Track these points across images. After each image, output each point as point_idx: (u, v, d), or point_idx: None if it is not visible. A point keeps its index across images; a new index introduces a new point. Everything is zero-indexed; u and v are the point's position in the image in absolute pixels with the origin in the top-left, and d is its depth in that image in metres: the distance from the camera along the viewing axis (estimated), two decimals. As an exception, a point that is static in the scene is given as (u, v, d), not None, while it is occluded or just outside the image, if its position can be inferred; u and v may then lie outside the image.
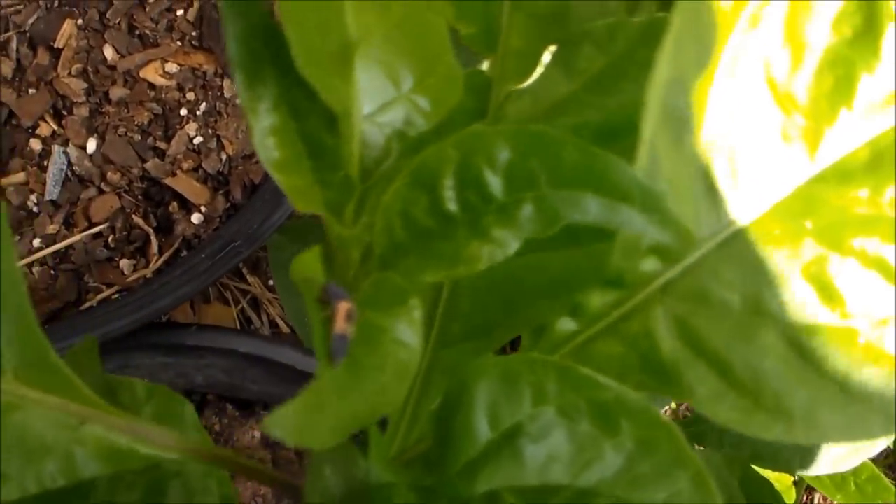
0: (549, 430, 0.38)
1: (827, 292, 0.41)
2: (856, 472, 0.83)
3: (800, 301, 0.41)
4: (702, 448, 0.76)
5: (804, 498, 1.20)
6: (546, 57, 0.48)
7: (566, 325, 0.42)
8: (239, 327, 1.09)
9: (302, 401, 0.32)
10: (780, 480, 0.92)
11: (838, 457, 0.74)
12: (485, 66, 0.49)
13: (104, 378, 0.51)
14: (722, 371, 0.41)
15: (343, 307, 0.37)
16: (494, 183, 0.38)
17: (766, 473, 0.82)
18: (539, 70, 0.48)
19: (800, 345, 0.41)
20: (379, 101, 0.40)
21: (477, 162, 0.38)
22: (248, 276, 1.10)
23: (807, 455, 0.75)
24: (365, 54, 0.39)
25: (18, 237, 0.98)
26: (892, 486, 0.83)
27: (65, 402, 0.40)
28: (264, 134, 0.37)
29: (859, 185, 0.41)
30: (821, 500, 1.20)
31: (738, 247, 0.42)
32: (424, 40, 0.41)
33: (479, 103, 0.48)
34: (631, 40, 0.45)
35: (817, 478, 0.84)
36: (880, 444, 0.74)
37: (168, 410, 0.54)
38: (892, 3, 0.41)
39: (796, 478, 0.95)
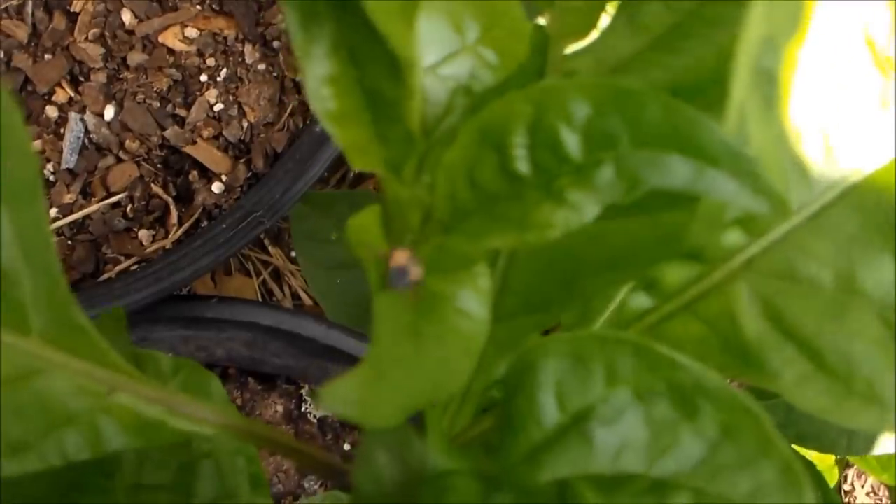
0: (623, 414, 0.34)
1: (925, 269, 0.37)
2: (901, 453, 0.81)
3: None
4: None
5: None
6: (609, 13, 0.44)
7: (639, 301, 0.39)
8: (260, 299, 1.07)
9: (360, 372, 0.28)
10: (823, 460, 0.90)
11: (886, 438, 0.72)
12: (542, 21, 0.45)
13: (133, 351, 0.48)
14: (811, 354, 0.38)
15: (400, 252, 0.34)
16: (571, 141, 0.34)
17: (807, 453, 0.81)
18: (601, 26, 0.44)
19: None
20: (442, 51, 0.36)
21: (552, 118, 0.34)
22: (269, 248, 1.07)
23: (854, 437, 0.73)
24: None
25: (34, 206, 0.95)
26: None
27: (92, 367, 0.37)
28: (320, 82, 0.34)
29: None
30: (854, 478, 1.18)
31: (830, 220, 0.38)
32: (490, -13, 0.37)
33: (537, 61, 0.44)
34: (701, -5, 0.42)
35: (863, 458, 0.82)
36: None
37: (195, 385, 0.51)
38: None
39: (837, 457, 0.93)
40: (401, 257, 0.34)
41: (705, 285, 0.39)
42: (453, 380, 0.31)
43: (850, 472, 1.15)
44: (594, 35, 0.45)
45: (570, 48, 0.45)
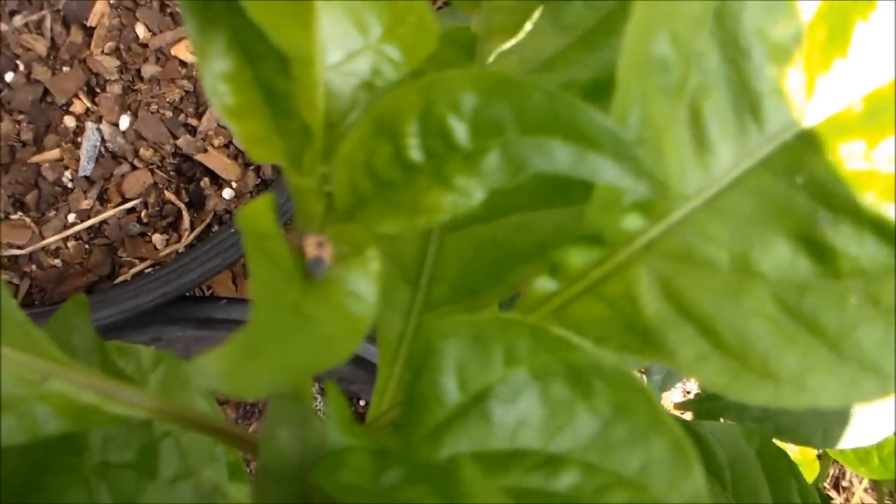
0: (521, 393, 0.34)
1: (819, 250, 0.37)
2: (879, 446, 0.81)
3: (791, 260, 0.37)
4: (721, 421, 0.74)
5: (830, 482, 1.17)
6: (534, 13, 0.45)
7: (545, 284, 0.39)
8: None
9: (233, 346, 0.28)
10: (804, 454, 0.90)
11: (861, 432, 0.71)
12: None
13: (97, 339, 0.49)
14: (707, 333, 0.37)
15: (311, 238, 0.34)
16: (459, 130, 0.34)
17: (791, 448, 0.80)
18: (527, 26, 0.45)
19: (790, 305, 0.37)
20: (345, 50, 0.36)
21: (441, 108, 0.34)
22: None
23: (829, 430, 0.72)
24: (329, 1, 0.36)
25: (54, 212, 0.97)
26: (915, 462, 0.80)
27: (27, 357, 0.38)
28: (217, 79, 0.34)
29: (854, 139, 0.38)
30: (853, 475, 1.17)
31: (727, 203, 0.38)
32: (396, -13, 0.37)
33: (465, 60, 0.45)
34: (620, -6, 0.42)
35: (841, 452, 0.82)
36: (902, 418, 0.71)
37: (175, 377, 0.52)
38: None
39: (819, 452, 0.92)
40: (311, 246, 0.35)
41: (607, 268, 0.39)
42: (337, 356, 0.31)
43: (835, 469, 1.14)
44: (521, 35, 0.45)
45: (497, 48, 0.45)
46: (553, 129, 0.33)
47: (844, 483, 1.15)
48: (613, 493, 0.33)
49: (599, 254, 0.39)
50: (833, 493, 1.17)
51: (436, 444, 0.35)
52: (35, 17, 0.98)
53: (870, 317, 0.37)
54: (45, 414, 0.38)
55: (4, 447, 0.38)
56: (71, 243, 0.96)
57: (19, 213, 0.97)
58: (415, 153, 0.35)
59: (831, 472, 0.97)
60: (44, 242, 0.97)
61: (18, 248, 0.97)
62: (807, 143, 0.38)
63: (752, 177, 0.38)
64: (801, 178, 0.38)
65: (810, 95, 0.38)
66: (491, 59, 0.45)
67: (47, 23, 0.98)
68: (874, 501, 1.08)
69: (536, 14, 0.44)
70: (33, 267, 0.97)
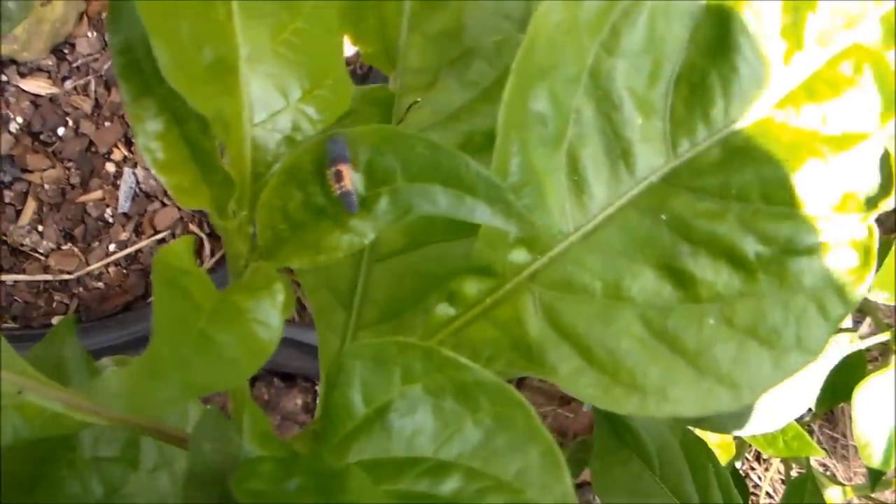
0: (417, 407, 0.33)
1: (681, 278, 0.36)
2: (784, 431, 0.80)
3: (656, 286, 0.36)
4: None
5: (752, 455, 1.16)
6: (442, 72, 0.43)
7: (444, 310, 0.37)
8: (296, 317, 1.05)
9: (137, 369, 0.27)
10: (723, 439, 0.89)
11: (768, 419, 0.70)
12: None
13: (84, 352, 0.48)
14: (583, 351, 0.36)
15: (344, 168, 0.33)
16: (356, 178, 0.33)
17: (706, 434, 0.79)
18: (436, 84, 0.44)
19: (655, 326, 0.36)
20: (269, 109, 0.35)
21: (340, 160, 0.33)
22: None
23: (741, 419, 0.71)
24: (255, 68, 0.35)
25: (97, 243, 0.96)
26: (813, 442, 0.79)
27: (8, 374, 0.36)
28: (149, 138, 0.33)
29: (709, 180, 0.36)
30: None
31: (600, 238, 0.37)
32: (315, 56, 0.36)
33: (384, 115, 0.43)
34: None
35: (752, 436, 0.80)
36: (801, 409, 0.70)
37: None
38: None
39: (734, 437, 0.91)
40: (346, 184, 0.33)
41: (498, 296, 0.37)
42: (241, 376, 0.30)
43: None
44: (431, 92, 0.44)
45: (411, 103, 0.44)
46: (435, 176, 0.32)
47: (765, 456, 1.13)
48: (493, 495, 0.31)
49: (490, 283, 0.37)
50: (755, 464, 1.16)
51: (344, 451, 0.34)
52: (82, 81, 0.97)
53: (725, 336, 0.36)
54: (20, 421, 0.37)
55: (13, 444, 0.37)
56: (111, 269, 0.96)
57: (69, 244, 0.96)
58: (320, 199, 0.34)
59: (753, 447, 0.96)
60: (89, 268, 0.96)
61: (68, 273, 0.96)
62: (669, 185, 0.37)
63: (623, 214, 0.37)
64: (665, 215, 0.36)
65: (675, 144, 0.37)
66: (405, 113, 0.43)
67: (92, 86, 0.98)
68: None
69: (444, 73, 0.43)
70: (80, 289, 0.96)
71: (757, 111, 0.36)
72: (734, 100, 0.36)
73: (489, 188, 0.32)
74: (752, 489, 1.14)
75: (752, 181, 0.36)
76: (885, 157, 0.35)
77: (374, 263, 0.44)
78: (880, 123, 0.35)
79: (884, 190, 0.35)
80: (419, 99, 0.43)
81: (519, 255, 0.37)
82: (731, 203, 0.36)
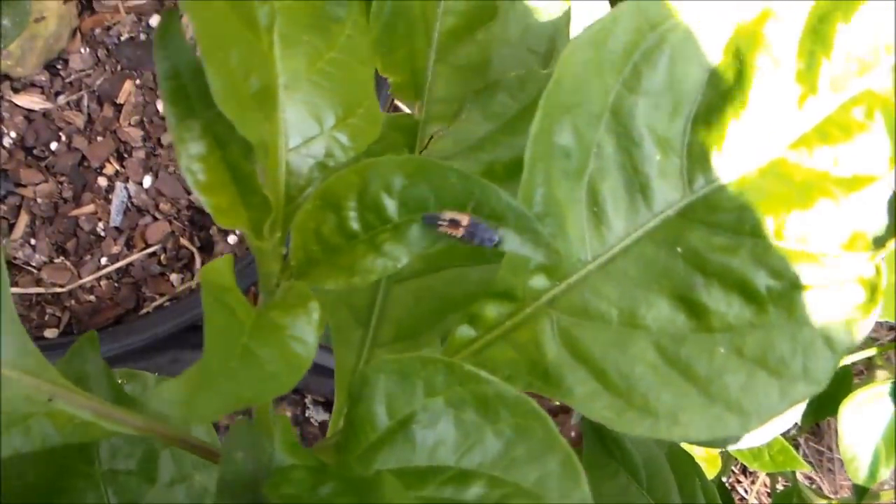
0: (439, 418, 0.35)
1: (694, 308, 0.38)
2: (769, 445, 0.82)
3: (670, 316, 0.38)
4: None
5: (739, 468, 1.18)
6: (467, 104, 0.45)
7: (465, 332, 0.39)
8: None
9: (187, 378, 0.29)
10: (709, 451, 0.91)
11: (754, 434, 0.72)
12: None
13: (105, 367, 0.49)
14: (598, 375, 0.38)
15: (448, 214, 0.34)
16: (390, 205, 0.35)
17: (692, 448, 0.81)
18: (461, 115, 0.45)
19: (668, 354, 0.38)
20: (304, 135, 0.37)
21: (375, 187, 0.35)
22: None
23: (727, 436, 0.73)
24: (291, 96, 0.36)
25: (89, 256, 0.97)
26: (798, 456, 0.81)
27: (38, 381, 0.38)
28: (192, 160, 0.34)
29: (724, 216, 0.38)
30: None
31: (618, 268, 0.39)
32: (348, 85, 0.38)
33: (408, 142, 0.45)
34: (539, 89, 0.42)
35: (739, 451, 0.82)
36: (788, 423, 0.72)
37: (176, 396, 0.52)
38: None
39: (721, 451, 0.93)
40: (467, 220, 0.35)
41: (517, 319, 0.39)
42: (280, 389, 0.31)
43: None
44: (455, 122, 0.45)
45: (435, 132, 0.45)
46: (466, 205, 0.34)
47: (751, 469, 1.15)
48: (514, 501, 0.33)
49: (510, 307, 0.39)
50: (742, 477, 1.17)
51: (368, 461, 0.35)
52: (75, 96, 0.98)
53: (735, 365, 0.37)
54: (50, 427, 0.38)
55: (33, 454, 0.38)
56: (103, 282, 0.97)
57: (61, 258, 0.97)
58: (354, 224, 0.35)
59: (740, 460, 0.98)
60: (81, 282, 0.97)
61: (60, 286, 0.97)
62: (685, 219, 0.38)
63: (640, 246, 0.39)
64: (681, 248, 0.38)
65: (691, 180, 0.38)
66: (429, 141, 0.45)
67: (85, 101, 0.99)
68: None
69: (468, 104, 0.45)
70: (72, 302, 0.97)
71: (771, 152, 0.38)
72: (748, 139, 0.38)
73: (518, 218, 0.34)
74: (738, 502, 1.16)
75: (764, 217, 0.38)
76: (894, 200, 0.37)
77: (393, 284, 0.46)
78: (889, 167, 0.37)
79: (891, 230, 0.37)
80: (443, 127, 0.45)
81: (539, 281, 0.39)
82: (744, 238, 0.38)
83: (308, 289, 0.34)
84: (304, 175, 0.37)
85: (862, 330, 0.37)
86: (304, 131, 0.37)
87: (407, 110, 0.46)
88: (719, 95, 0.38)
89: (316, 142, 0.37)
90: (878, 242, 0.37)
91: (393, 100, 1.00)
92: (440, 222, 0.34)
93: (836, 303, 0.37)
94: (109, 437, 0.46)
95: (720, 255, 0.38)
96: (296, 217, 0.36)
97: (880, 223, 0.37)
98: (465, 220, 0.34)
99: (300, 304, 0.34)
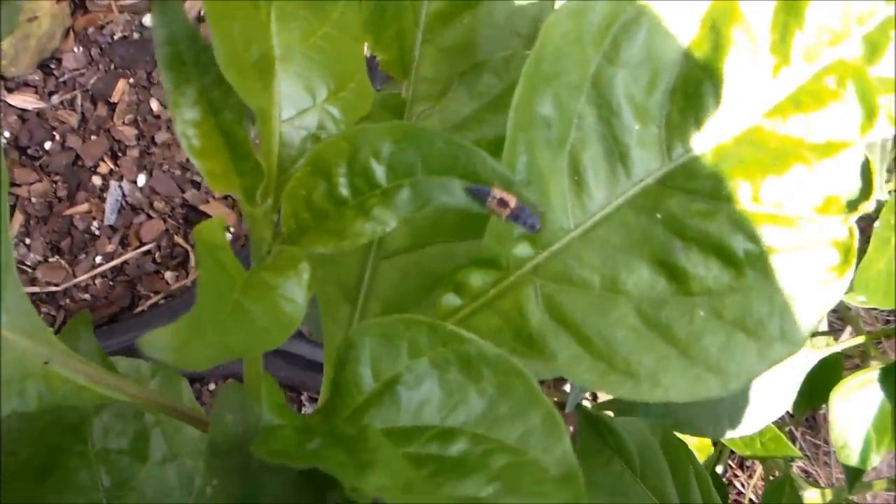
0: (423, 379, 0.36)
1: (674, 273, 0.39)
2: (761, 433, 0.83)
3: (650, 281, 0.39)
4: (630, 417, 0.75)
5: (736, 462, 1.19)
6: (453, 83, 0.47)
7: (451, 300, 0.40)
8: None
9: (182, 327, 0.30)
10: (702, 441, 0.92)
11: (745, 422, 0.74)
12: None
13: (97, 345, 0.50)
14: (581, 340, 0.39)
15: (498, 192, 0.35)
16: (379, 171, 0.36)
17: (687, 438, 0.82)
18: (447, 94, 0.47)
19: (649, 317, 0.39)
20: (297, 107, 0.38)
21: (364, 154, 0.36)
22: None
23: (719, 422, 0.74)
24: (286, 68, 0.38)
25: (84, 255, 0.98)
26: (789, 443, 0.82)
27: (34, 343, 0.39)
28: (187, 125, 0.35)
29: (702, 183, 0.39)
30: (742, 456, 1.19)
31: (599, 235, 0.40)
32: (340, 60, 0.39)
33: (396, 119, 0.46)
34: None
35: (731, 439, 0.83)
36: (779, 410, 0.73)
37: (169, 383, 0.53)
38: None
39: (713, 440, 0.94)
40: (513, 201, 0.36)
41: (502, 287, 0.40)
42: (271, 343, 0.33)
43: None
44: (442, 101, 0.47)
45: (422, 110, 0.47)
46: (453, 170, 0.35)
47: (748, 463, 1.16)
48: (497, 457, 0.34)
49: (495, 275, 0.40)
50: (739, 471, 1.18)
51: (354, 423, 0.36)
52: (69, 96, 1.00)
53: (714, 328, 0.38)
54: (45, 390, 0.39)
55: (25, 432, 0.38)
56: (98, 280, 0.97)
57: (56, 257, 0.98)
58: (343, 190, 0.36)
59: (736, 454, 0.99)
60: (76, 280, 0.98)
61: (55, 285, 0.98)
62: (664, 186, 0.40)
63: (620, 213, 0.40)
64: (660, 214, 0.39)
65: (670, 149, 0.40)
66: (416, 120, 0.46)
67: (78, 100, 1.00)
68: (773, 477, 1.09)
69: (455, 84, 0.46)
70: (67, 301, 0.98)
71: (747, 120, 0.39)
72: (725, 109, 0.40)
73: (504, 183, 0.35)
74: (735, 496, 1.17)
75: (741, 184, 0.39)
76: (866, 164, 0.38)
77: (381, 260, 0.47)
78: (861, 133, 0.38)
79: (864, 194, 0.38)
80: (429, 106, 0.46)
81: (523, 250, 0.40)
82: (721, 204, 0.39)
83: (299, 252, 0.35)
84: (296, 146, 0.38)
85: (837, 291, 0.38)
86: (298, 103, 0.38)
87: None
88: (696, 67, 0.40)
89: (309, 114, 0.38)
90: (852, 206, 0.38)
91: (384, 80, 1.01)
92: (490, 198, 0.35)
93: (811, 265, 0.38)
94: (101, 410, 0.47)
95: (698, 220, 0.39)
96: (288, 184, 0.37)
97: (853, 187, 0.38)
98: (512, 202, 0.36)
99: (291, 265, 0.35)
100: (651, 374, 0.38)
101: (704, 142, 0.39)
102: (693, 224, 0.39)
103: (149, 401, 0.40)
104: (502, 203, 0.36)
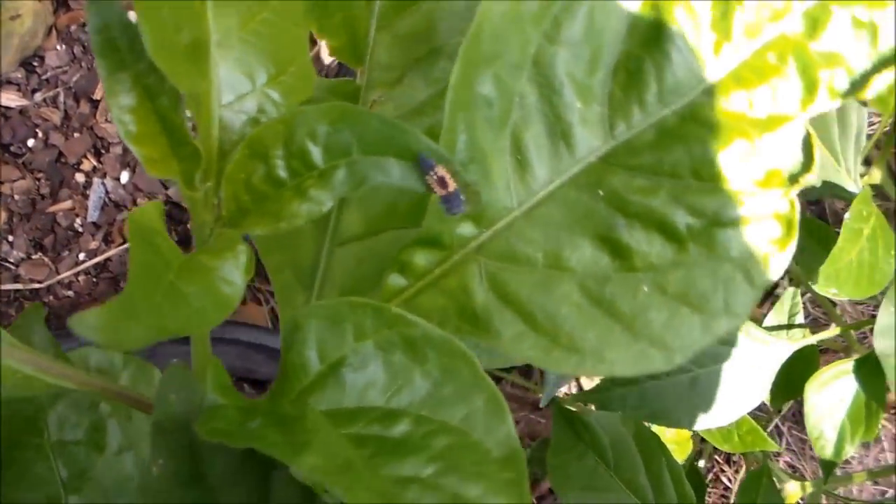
0: (368, 361, 0.36)
1: (617, 249, 0.39)
2: (738, 425, 0.83)
3: (593, 257, 0.39)
4: (604, 412, 0.75)
5: (723, 458, 1.19)
6: (408, 70, 0.47)
7: (396, 280, 0.40)
8: (269, 324, 1.08)
9: (114, 308, 0.30)
10: (680, 434, 0.92)
11: (721, 414, 0.74)
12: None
13: (50, 336, 0.50)
14: (525, 317, 0.39)
15: (441, 170, 0.36)
16: (315, 152, 0.36)
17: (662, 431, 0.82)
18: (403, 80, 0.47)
19: (593, 294, 0.39)
20: (236, 92, 0.38)
21: (300, 135, 0.36)
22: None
23: (694, 413, 0.74)
24: (224, 54, 0.38)
25: (67, 252, 0.98)
26: (766, 437, 0.82)
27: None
28: (122, 111, 0.36)
29: (644, 159, 0.40)
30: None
31: (542, 213, 0.40)
32: (280, 45, 0.39)
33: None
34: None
35: (708, 431, 0.83)
36: (753, 402, 0.73)
37: (141, 374, 0.53)
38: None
39: (691, 433, 0.94)
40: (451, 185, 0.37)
41: (446, 266, 0.40)
42: (207, 323, 0.33)
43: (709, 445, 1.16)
44: (396, 87, 0.47)
45: (377, 97, 0.47)
46: (388, 149, 0.35)
47: (734, 458, 1.16)
48: (440, 437, 0.34)
49: (439, 255, 0.40)
50: (726, 466, 1.18)
51: (301, 404, 0.37)
52: (51, 93, 1.00)
53: (658, 303, 0.39)
54: (-1, 381, 0.39)
55: None
56: (81, 277, 0.98)
57: (39, 254, 0.99)
58: (281, 172, 0.37)
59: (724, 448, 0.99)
60: (59, 277, 0.98)
61: (38, 282, 0.98)
62: (607, 164, 0.40)
63: (563, 191, 0.40)
64: (603, 191, 0.39)
65: (612, 126, 0.40)
66: (370, 107, 0.47)
67: (61, 98, 1.01)
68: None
69: (410, 71, 0.46)
70: (51, 298, 0.98)
71: (689, 97, 0.39)
72: (667, 86, 0.40)
73: (439, 161, 0.35)
74: (722, 491, 1.17)
75: (683, 159, 0.39)
76: (807, 138, 0.39)
77: (336, 247, 0.47)
78: (802, 107, 0.39)
79: (805, 167, 0.38)
80: (384, 93, 0.46)
81: (466, 228, 0.40)
82: (663, 179, 0.39)
83: (238, 234, 0.36)
84: (236, 130, 0.39)
85: (780, 263, 0.38)
86: (237, 88, 0.39)
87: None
88: (638, 45, 0.40)
89: (248, 98, 0.39)
90: (793, 179, 0.38)
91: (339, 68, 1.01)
92: (430, 175, 0.36)
93: (753, 238, 0.38)
94: (56, 401, 0.47)
95: (641, 196, 0.39)
96: (228, 168, 0.37)
97: (794, 160, 0.39)
98: (452, 186, 0.36)
99: (229, 248, 0.35)
100: (595, 349, 0.38)
101: (646, 119, 0.40)
102: (635, 200, 0.39)
103: (100, 389, 0.41)
104: (441, 182, 0.36)
